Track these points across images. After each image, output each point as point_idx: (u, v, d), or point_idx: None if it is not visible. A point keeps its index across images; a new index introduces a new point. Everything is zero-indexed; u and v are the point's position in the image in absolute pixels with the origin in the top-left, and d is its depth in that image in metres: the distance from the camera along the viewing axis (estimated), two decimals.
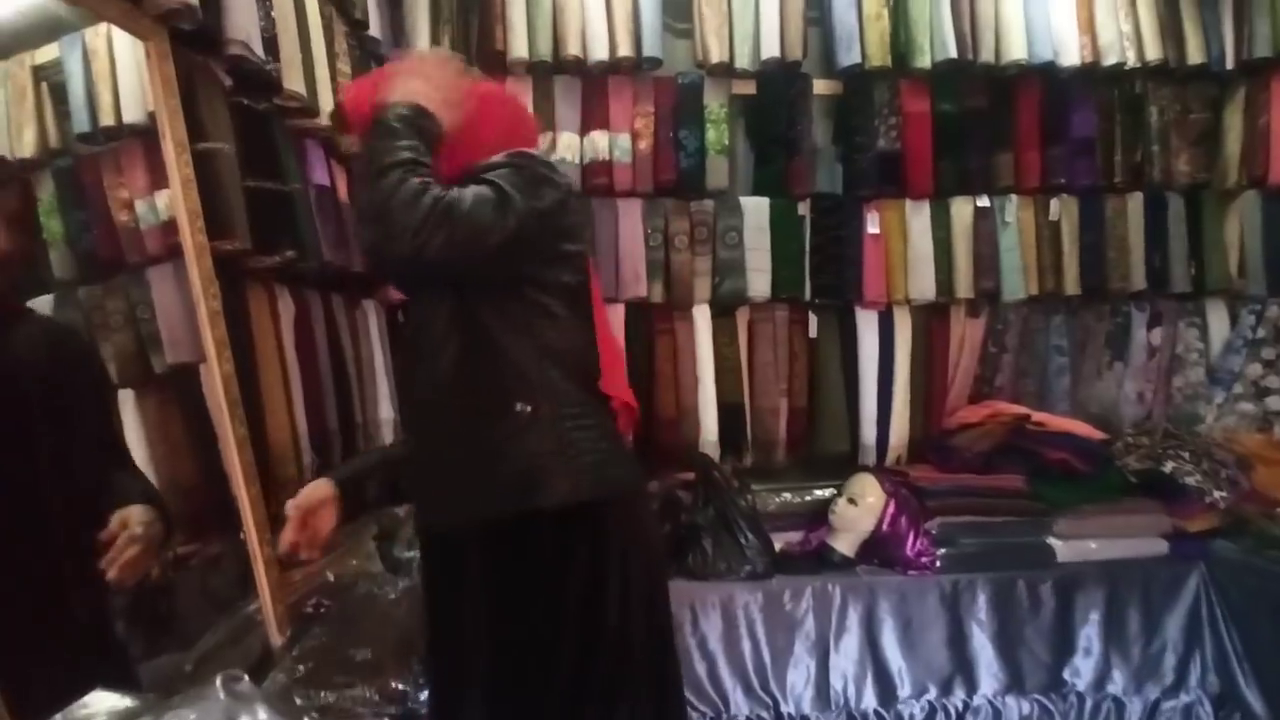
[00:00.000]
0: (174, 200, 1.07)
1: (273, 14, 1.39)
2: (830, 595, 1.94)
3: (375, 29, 2.00)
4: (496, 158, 1.03)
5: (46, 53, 1.15)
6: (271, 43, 1.38)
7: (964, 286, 2.36)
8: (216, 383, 1.07)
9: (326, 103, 1.61)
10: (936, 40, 2.28)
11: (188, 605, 1.15)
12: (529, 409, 1.00)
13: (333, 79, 1.66)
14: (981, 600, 1.96)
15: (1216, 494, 2.00)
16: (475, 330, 1.01)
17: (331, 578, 1.29)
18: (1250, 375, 2.24)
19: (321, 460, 1.49)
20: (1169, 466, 2.14)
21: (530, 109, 2.22)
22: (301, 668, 1.08)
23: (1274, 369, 2.18)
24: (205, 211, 1.12)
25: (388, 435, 1.95)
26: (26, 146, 1.13)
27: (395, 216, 0.92)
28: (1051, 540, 2.04)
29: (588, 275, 1.11)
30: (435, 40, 2.17)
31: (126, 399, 1.18)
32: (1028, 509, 2.05)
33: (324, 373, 1.59)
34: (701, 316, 2.29)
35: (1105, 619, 1.98)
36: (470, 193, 0.97)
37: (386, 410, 1.97)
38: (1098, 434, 2.21)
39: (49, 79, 1.14)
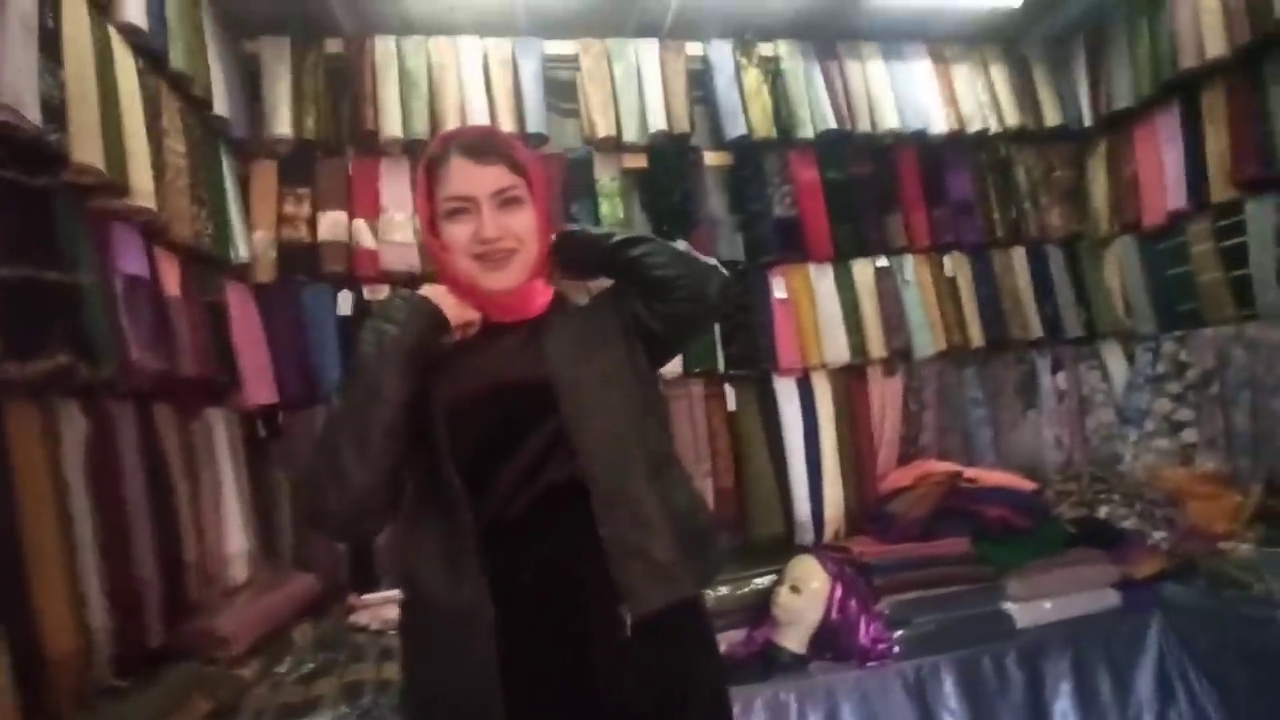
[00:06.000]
0: None
1: (63, 78, 1.17)
2: (785, 704, 1.69)
3: (223, 108, 1.81)
4: None
5: None
6: (59, 110, 1.15)
7: (876, 346, 2.32)
8: None
9: (144, 181, 1.37)
10: (816, 113, 2.34)
11: None
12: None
13: (156, 155, 1.43)
14: (949, 685, 1.76)
15: (1156, 535, 1.94)
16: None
17: None
18: (1160, 411, 2.26)
19: (123, 619, 1.13)
20: (1103, 511, 2.10)
21: (406, 190, 2.07)
22: None
23: (1183, 402, 2.20)
24: None
25: (238, 572, 1.59)
26: None
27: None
28: (1007, 606, 1.89)
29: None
30: (298, 121, 2.00)
31: None
32: (976, 575, 1.92)
33: (134, 506, 1.26)
34: None
35: (1076, 688, 1.83)
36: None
37: (237, 542, 1.62)
38: (1029, 484, 2.14)
39: None
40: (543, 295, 1.02)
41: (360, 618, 1.61)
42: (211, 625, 1.41)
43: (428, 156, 0.97)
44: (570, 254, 1.03)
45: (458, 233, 0.93)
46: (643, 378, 0.99)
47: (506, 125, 2.12)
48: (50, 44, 1.17)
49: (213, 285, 1.71)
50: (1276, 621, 1.64)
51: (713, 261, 1.02)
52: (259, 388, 1.80)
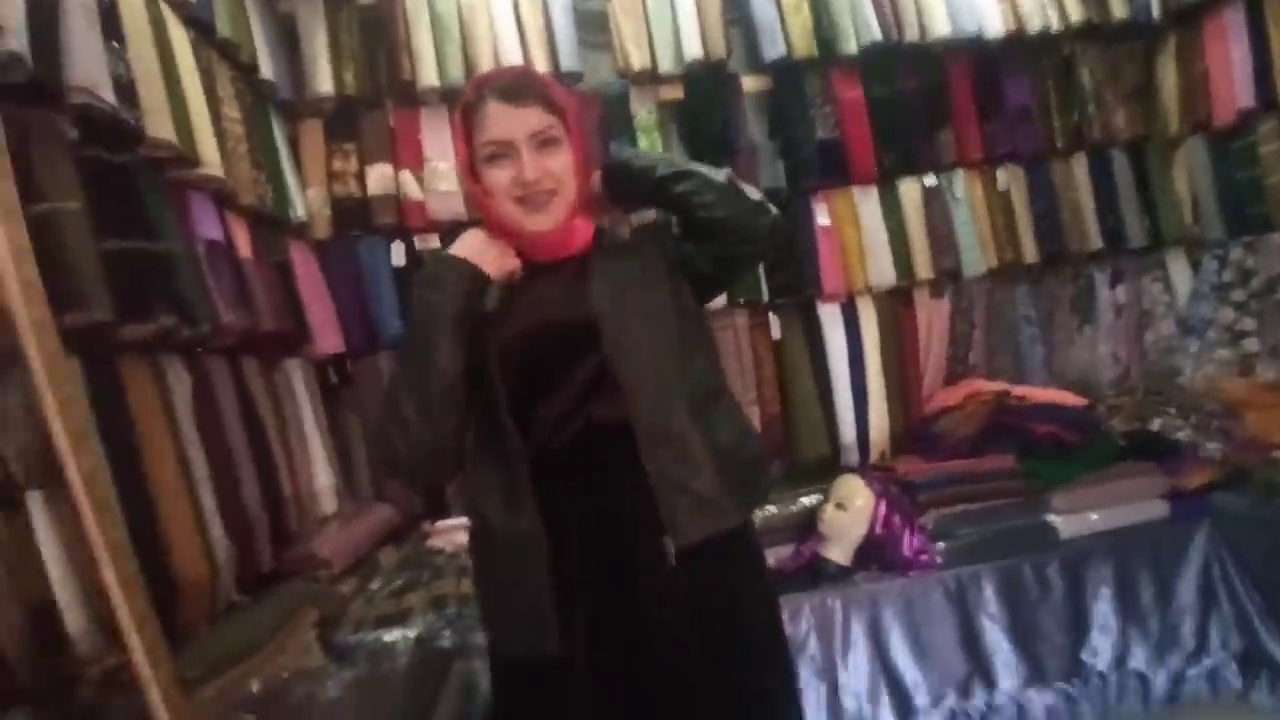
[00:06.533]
0: (3, 275, 0.91)
1: (128, 56, 1.24)
2: (831, 610, 1.81)
3: (268, 72, 1.86)
4: None
5: None
6: (128, 88, 1.23)
7: (924, 268, 2.29)
8: (75, 482, 0.90)
9: (210, 151, 1.46)
10: (860, 24, 2.23)
11: None
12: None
13: (216, 124, 1.51)
14: (989, 592, 1.85)
15: (1210, 446, 1.92)
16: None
17: (256, 686, 1.12)
18: (1224, 321, 2.18)
19: (239, 547, 1.31)
20: (1156, 424, 2.08)
21: (447, 139, 2.11)
22: None
23: (1246, 310, 2.12)
24: (50, 282, 0.96)
25: (327, 505, 1.78)
26: None
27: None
28: (1051, 518, 1.94)
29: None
30: (338, 77, 2.04)
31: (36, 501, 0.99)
32: (1022, 489, 1.95)
33: (237, 449, 1.41)
34: None
35: (1117, 593, 1.88)
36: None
37: (324, 478, 1.80)
38: (1080, 400, 2.13)
39: None
40: (584, 232, 1.04)
41: (436, 542, 1.79)
42: (311, 550, 1.59)
43: (463, 102, 0.99)
44: (617, 185, 1.03)
45: (498, 177, 0.95)
46: (688, 314, 1.01)
47: (540, 64, 2.11)
48: (110, 24, 1.24)
49: (277, 245, 1.83)
50: None
51: (759, 195, 1.01)
52: (327, 338, 1.93)
